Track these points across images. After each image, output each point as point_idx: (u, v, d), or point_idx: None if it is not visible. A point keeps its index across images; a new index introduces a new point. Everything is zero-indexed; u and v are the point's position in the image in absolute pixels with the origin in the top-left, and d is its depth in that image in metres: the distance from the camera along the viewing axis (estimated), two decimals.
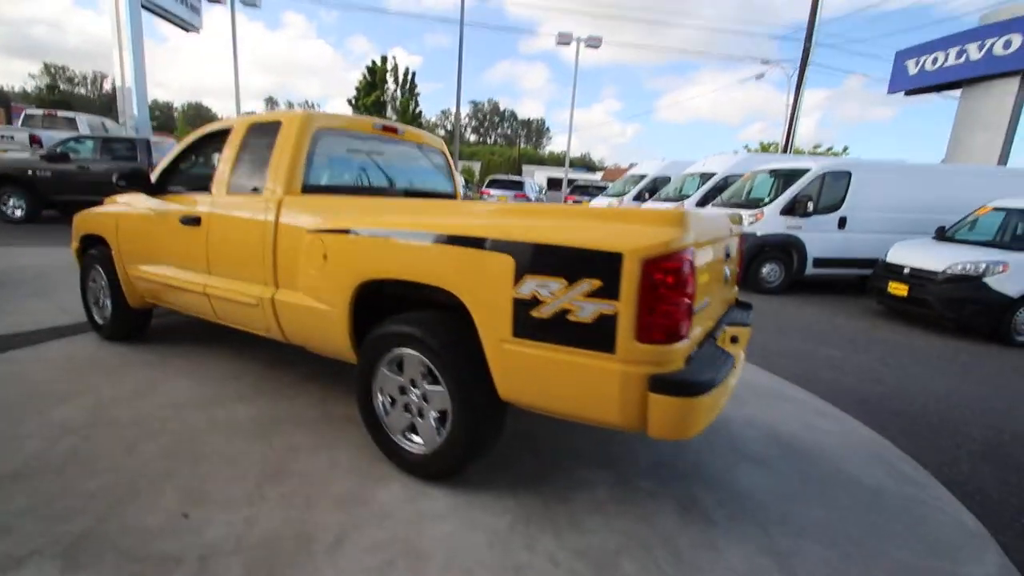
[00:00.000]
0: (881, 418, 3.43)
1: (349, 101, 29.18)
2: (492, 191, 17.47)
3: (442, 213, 2.18)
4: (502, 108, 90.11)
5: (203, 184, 3.42)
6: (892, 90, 19.22)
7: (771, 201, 7.87)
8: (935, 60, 17.53)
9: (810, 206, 7.56)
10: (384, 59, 28.82)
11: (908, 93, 19.01)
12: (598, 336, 1.69)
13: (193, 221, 3.05)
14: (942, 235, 6.96)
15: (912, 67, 18.34)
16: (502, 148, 70.14)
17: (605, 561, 1.83)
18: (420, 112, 30.80)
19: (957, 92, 17.39)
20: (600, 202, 14.36)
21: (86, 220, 3.92)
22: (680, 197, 11.13)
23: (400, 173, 3.46)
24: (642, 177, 13.66)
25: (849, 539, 2.06)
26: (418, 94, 30.40)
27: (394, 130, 3.36)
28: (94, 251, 3.81)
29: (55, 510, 1.91)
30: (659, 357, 1.66)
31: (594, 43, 19.82)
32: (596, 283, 1.67)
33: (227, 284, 2.92)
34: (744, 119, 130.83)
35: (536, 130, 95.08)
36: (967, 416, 3.62)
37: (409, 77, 29.69)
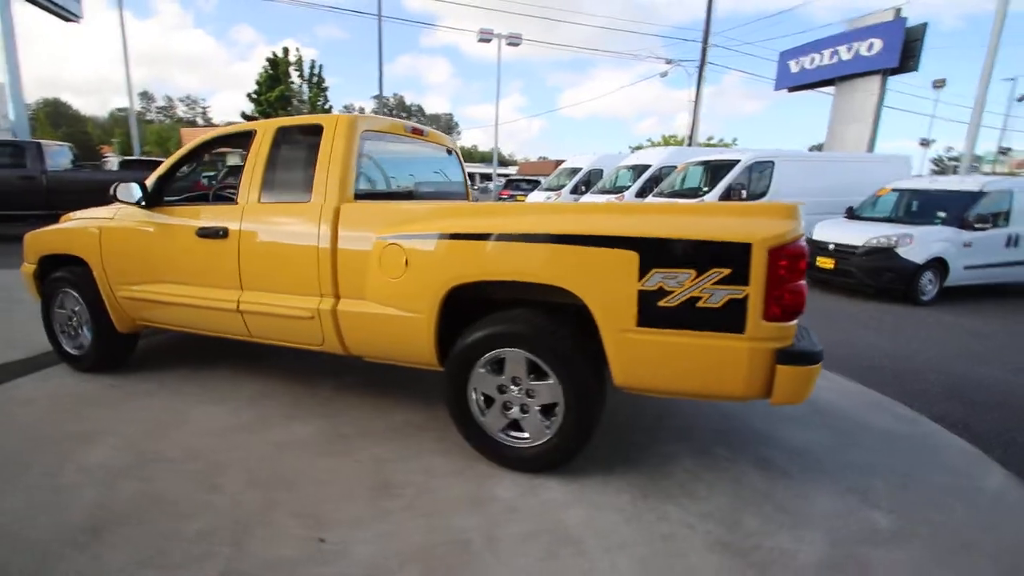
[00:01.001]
0: (856, 374, 3.99)
1: (250, 96, 26.97)
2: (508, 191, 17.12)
3: (546, 213, 2.25)
4: (408, 102, 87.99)
5: (218, 195, 3.18)
6: (778, 87, 21.49)
7: (709, 191, 8.61)
8: (812, 60, 19.84)
9: (743, 193, 8.38)
10: (286, 51, 27.00)
11: (791, 90, 21.36)
12: (728, 319, 1.87)
13: (217, 233, 2.82)
14: (851, 214, 8.03)
15: (794, 66, 20.61)
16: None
17: (731, 520, 2.03)
18: (330, 108, 29.30)
19: (831, 89, 19.85)
20: (538, 196, 14.71)
21: (48, 239, 3.44)
22: (616, 189, 11.73)
23: (428, 175, 3.42)
24: (576, 170, 14.20)
25: (896, 472, 2.45)
26: (326, 88, 28.92)
27: (421, 132, 3.31)
28: (63, 273, 3.35)
29: (174, 559, 1.75)
30: (782, 333, 1.88)
31: (515, 40, 20.12)
32: (725, 271, 1.85)
33: (269, 299, 2.75)
34: (637, 115, 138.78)
35: (445, 125, 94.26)
36: (917, 366, 4.31)
37: (316, 71, 28.16)
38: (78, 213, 3.53)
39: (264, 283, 2.77)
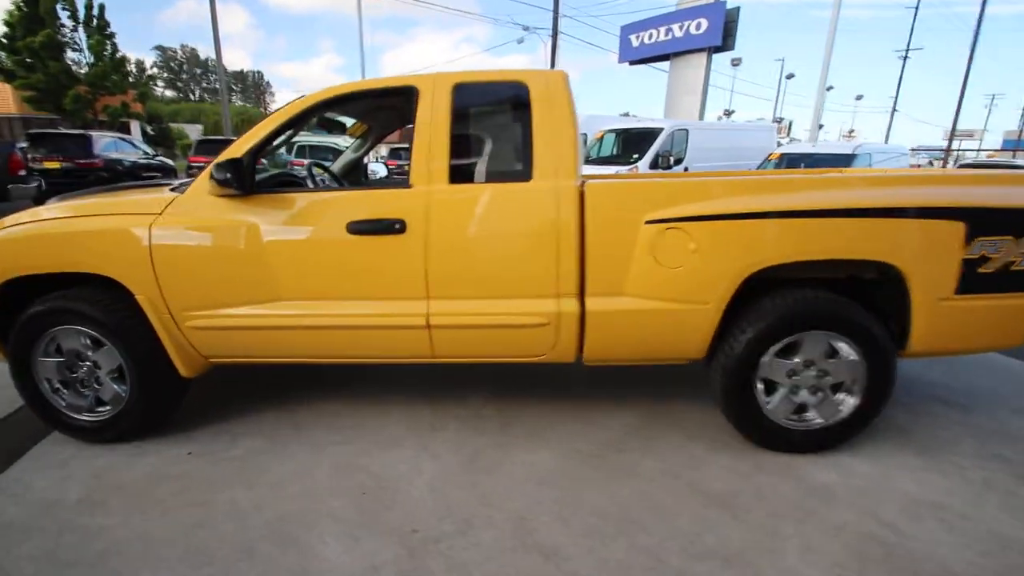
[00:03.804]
0: None
1: None
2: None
3: (862, 186, 2.13)
4: (203, 56, 74.94)
5: (346, 175, 2.37)
6: (621, 60, 23.37)
7: (639, 158, 9.12)
8: (651, 36, 21.91)
9: (672, 160, 9.06)
10: None
11: (632, 63, 23.41)
12: None
13: (390, 228, 2.10)
14: None
15: (635, 41, 22.52)
16: (213, 105, 58.97)
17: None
18: (123, 57, 23.21)
19: (666, 64, 22.23)
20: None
21: (30, 249, 2.19)
22: (602, 159, 11.71)
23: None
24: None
25: None
26: (112, 35, 22.81)
27: None
28: (59, 304, 2.19)
29: None
30: None
31: None
32: None
33: (477, 307, 2.17)
34: None
35: (254, 84, 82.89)
36: None
37: (95, 11, 21.91)
38: (71, 202, 2.31)
39: (467, 288, 2.17)
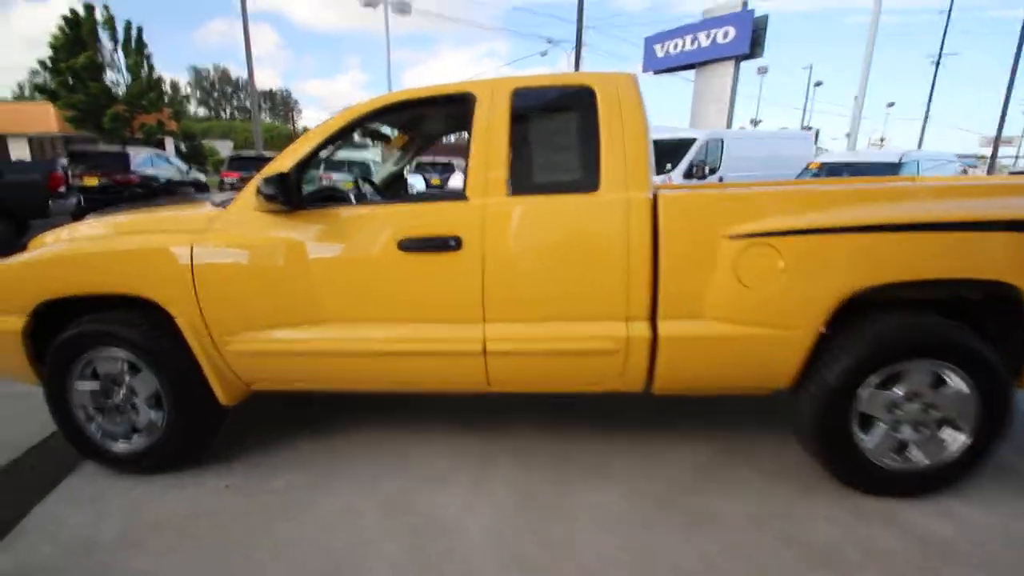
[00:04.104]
0: None
1: (44, 64, 20.83)
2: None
3: (975, 196, 1.90)
4: (234, 76, 77.45)
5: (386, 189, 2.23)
6: (645, 70, 23.19)
7: (672, 168, 8.88)
8: (676, 45, 21.70)
9: (707, 169, 8.80)
10: (90, 8, 21.36)
11: (656, 72, 23.21)
12: None
13: (444, 245, 1.94)
14: None
15: (659, 51, 22.34)
16: (243, 123, 60.70)
17: None
18: (159, 78, 24.07)
19: (690, 73, 21.98)
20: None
21: (66, 270, 2.09)
22: None
23: None
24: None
25: None
26: (149, 55, 23.68)
27: None
28: (96, 327, 2.08)
29: None
30: None
31: (404, 8, 18.40)
32: None
33: (538, 331, 1.99)
34: None
35: (282, 102, 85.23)
36: None
37: (134, 33, 22.76)
38: (110, 219, 2.22)
39: (527, 310, 1.99)
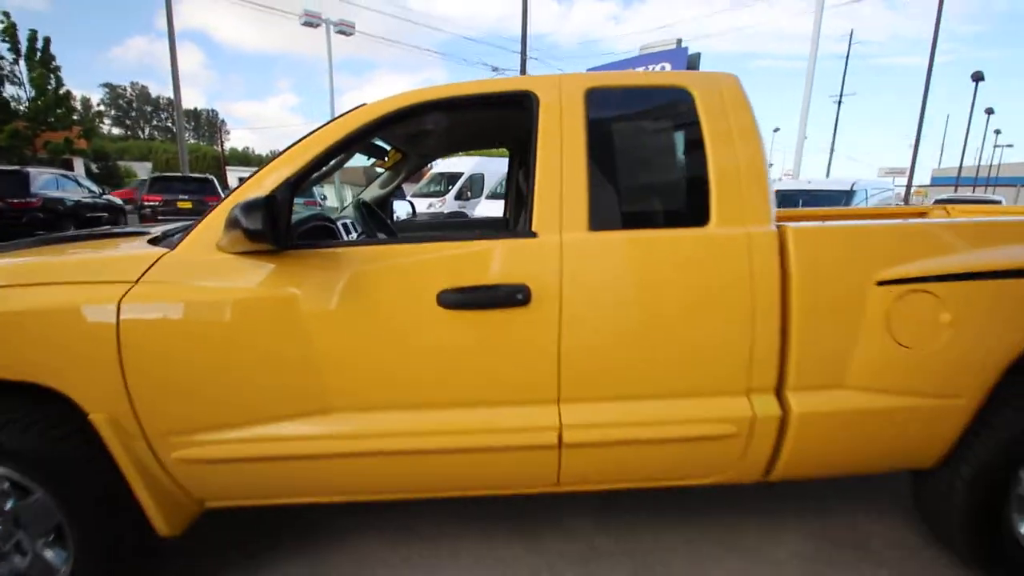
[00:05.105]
0: None
1: None
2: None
3: None
4: (154, 94, 73.07)
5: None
6: None
7: None
8: None
9: None
10: None
11: None
12: None
13: (510, 298, 1.38)
14: None
15: None
16: (163, 143, 56.79)
17: None
18: (68, 92, 21.65)
19: None
20: (421, 204, 13.18)
21: None
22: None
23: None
24: (454, 175, 13.11)
25: None
26: (57, 68, 21.35)
27: None
28: None
29: None
30: None
31: (347, 29, 17.58)
32: None
33: (632, 413, 1.45)
34: None
35: (207, 122, 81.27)
36: None
37: (39, 44, 20.45)
38: None
39: (616, 385, 1.45)
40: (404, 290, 1.40)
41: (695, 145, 1.50)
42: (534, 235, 1.43)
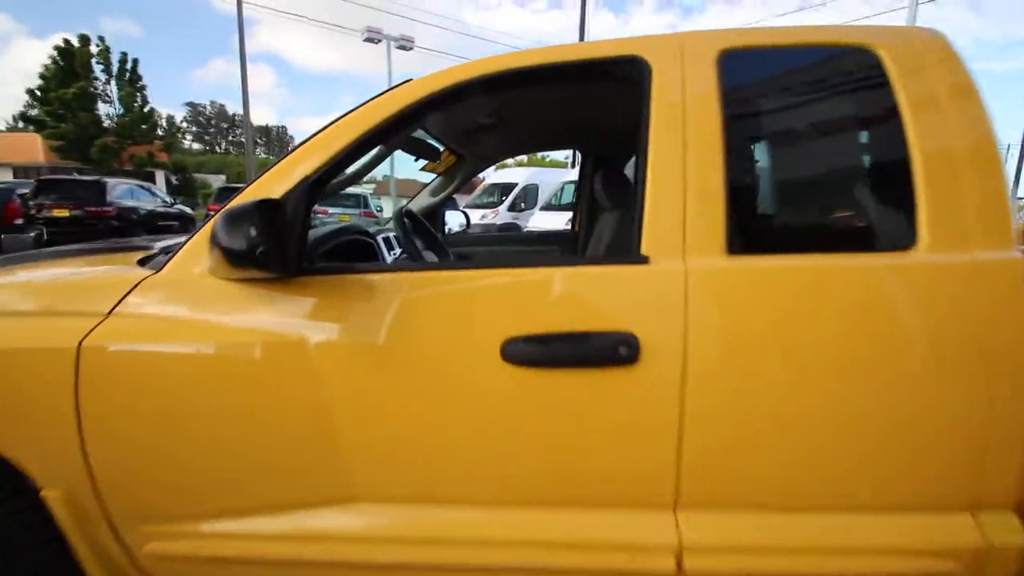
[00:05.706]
0: None
1: (32, 92, 20.05)
2: (331, 209, 13.35)
3: None
4: (230, 112, 78.23)
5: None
6: None
7: None
8: None
9: None
10: (85, 39, 20.75)
11: None
12: None
13: (604, 353, 0.93)
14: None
15: None
16: (238, 157, 60.72)
17: None
18: (152, 110, 23.30)
19: None
20: (474, 215, 13.03)
21: None
22: (564, 206, 10.78)
23: None
24: (508, 186, 12.84)
25: None
26: (143, 87, 23.02)
27: None
28: None
29: None
30: None
31: (407, 44, 17.92)
32: None
33: (784, 529, 0.97)
34: None
35: (277, 138, 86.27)
36: None
37: (128, 66, 22.12)
38: None
39: (762, 487, 0.97)
40: (454, 338, 0.98)
41: (888, 129, 1.00)
42: (644, 260, 0.97)
